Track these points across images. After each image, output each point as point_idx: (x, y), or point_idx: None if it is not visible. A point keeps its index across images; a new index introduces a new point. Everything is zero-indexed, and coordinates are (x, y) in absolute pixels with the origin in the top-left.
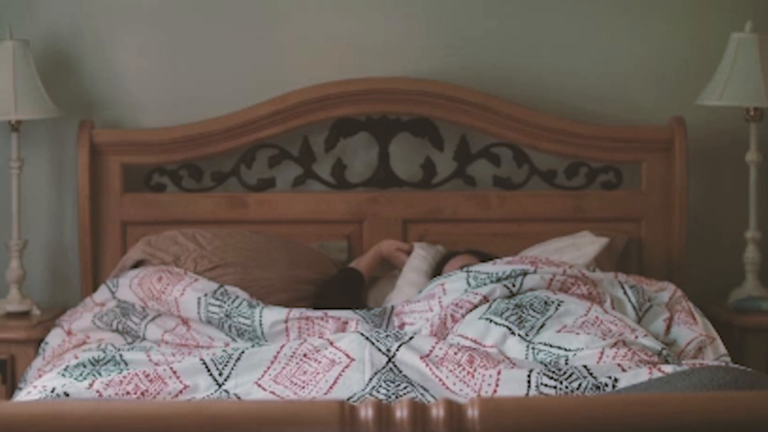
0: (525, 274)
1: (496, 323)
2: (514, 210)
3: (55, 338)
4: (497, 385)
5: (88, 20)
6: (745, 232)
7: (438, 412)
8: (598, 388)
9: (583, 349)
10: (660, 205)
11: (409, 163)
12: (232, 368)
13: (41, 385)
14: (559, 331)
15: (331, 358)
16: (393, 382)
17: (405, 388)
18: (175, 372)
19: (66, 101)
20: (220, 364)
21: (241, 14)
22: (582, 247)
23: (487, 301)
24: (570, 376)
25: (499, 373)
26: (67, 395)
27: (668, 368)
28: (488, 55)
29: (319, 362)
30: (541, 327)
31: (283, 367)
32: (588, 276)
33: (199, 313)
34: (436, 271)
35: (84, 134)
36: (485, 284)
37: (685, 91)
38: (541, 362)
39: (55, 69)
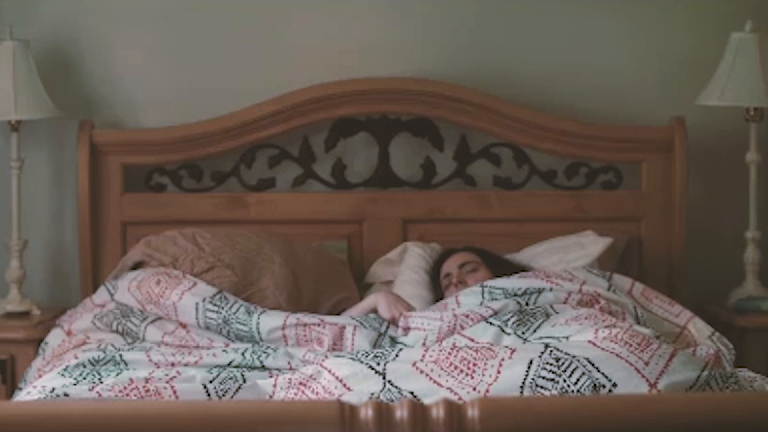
0: (540, 291)
1: (491, 324)
2: (514, 210)
3: (55, 338)
4: (496, 380)
5: (88, 20)
6: (745, 232)
7: (438, 412)
8: (596, 387)
9: (575, 334)
10: (660, 205)
11: (409, 163)
12: (231, 398)
13: (41, 385)
14: (554, 326)
15: (326, 386)
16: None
17: None
18: (175, 392)
19: (66, 101)
20: (221, 392)
21: (241, 14)
22: (586, 247)
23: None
24: (570, 372)
25: (498, 371)
26: (67, 395)
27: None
28: (488, 55)
29: (317, 393)
30: (538, 327)
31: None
32: (603, 295)
33: (197, 318)
34: (435, 269)
35: (84, 134)
36: (498, 299)
37: (685, 91)
38: (545, 344)
39: (55, 69)
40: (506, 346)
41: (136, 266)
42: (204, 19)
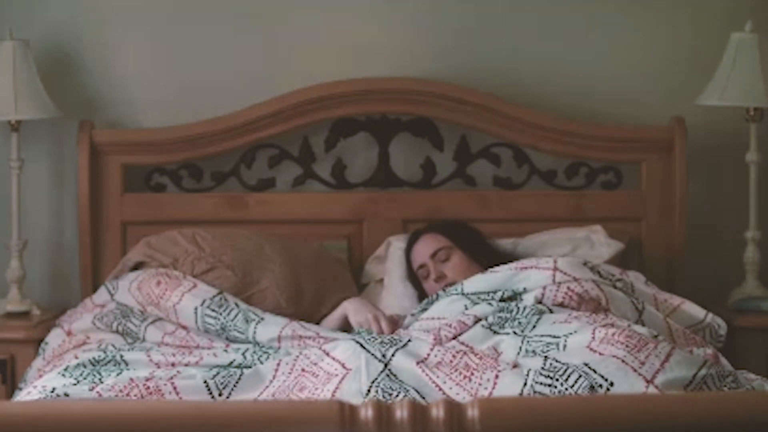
0: (517, 295)
1: (494, 331)
2: (514, 210)
3: (55, 338)
4: (494, 387)
5: (88, 20)
6: (745, 232)
7: (438, 412)
8: (593, 388)
9: (574, 333)
10: (660, 205)
11: (409, 163)
12: (232, 389)
13: (41, 385)
14: (554, 323)
15: (327, 370)
16: (390, 392)
17: (404, 397)
18: (175, 388)
19: (66, 101)
20: (221, 385)
21: (241, 14)
22: (597, 247)
23: (480, 320)
24: (567, 376)
25: (496, 376)
26: (67, 395)
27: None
28: (488, 55)
29: (317, 375)
30: (537, 323)
31: (280, 385)
32: (582, 279)
33: (196, 322)
34: (406, 258)
35: (84, 134)
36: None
37: (685, 91)
38: (542, 354)
39: (55, 69)
40: (507, 362)
41: (137, 267)
42: (204, 19)
